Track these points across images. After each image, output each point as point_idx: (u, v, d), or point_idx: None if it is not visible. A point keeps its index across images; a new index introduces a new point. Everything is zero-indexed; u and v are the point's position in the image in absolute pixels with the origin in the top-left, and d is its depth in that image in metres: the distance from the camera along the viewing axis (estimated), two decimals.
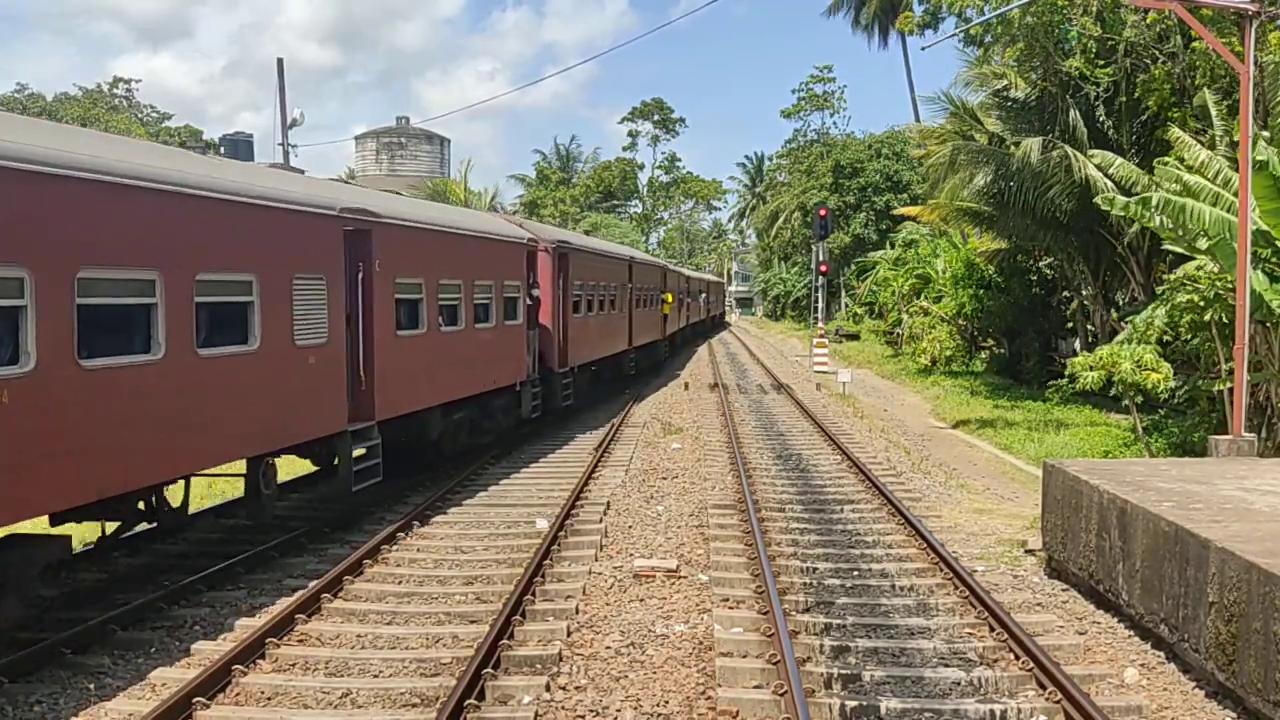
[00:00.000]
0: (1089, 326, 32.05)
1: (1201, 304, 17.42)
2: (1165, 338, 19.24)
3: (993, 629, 9.00)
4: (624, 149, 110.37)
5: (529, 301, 19.32)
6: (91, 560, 11.40)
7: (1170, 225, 17.44)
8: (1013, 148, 28.56)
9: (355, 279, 12.84)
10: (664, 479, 16.42)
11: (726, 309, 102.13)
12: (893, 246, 53.31)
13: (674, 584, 10.69)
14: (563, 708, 7.63)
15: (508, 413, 18.89)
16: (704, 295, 64.40)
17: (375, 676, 8.22)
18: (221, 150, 18.22)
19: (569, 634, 9.09)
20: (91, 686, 8.00)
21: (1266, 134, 15.62)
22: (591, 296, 24.56)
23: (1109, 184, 24.96)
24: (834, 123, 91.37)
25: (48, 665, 8.39)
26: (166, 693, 7.71)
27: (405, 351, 14.11)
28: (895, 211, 53.29)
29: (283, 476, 14.23)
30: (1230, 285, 15.67)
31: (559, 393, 21.42)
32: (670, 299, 30.71)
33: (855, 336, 57.82)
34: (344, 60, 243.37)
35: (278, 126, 28.83)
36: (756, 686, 7.90)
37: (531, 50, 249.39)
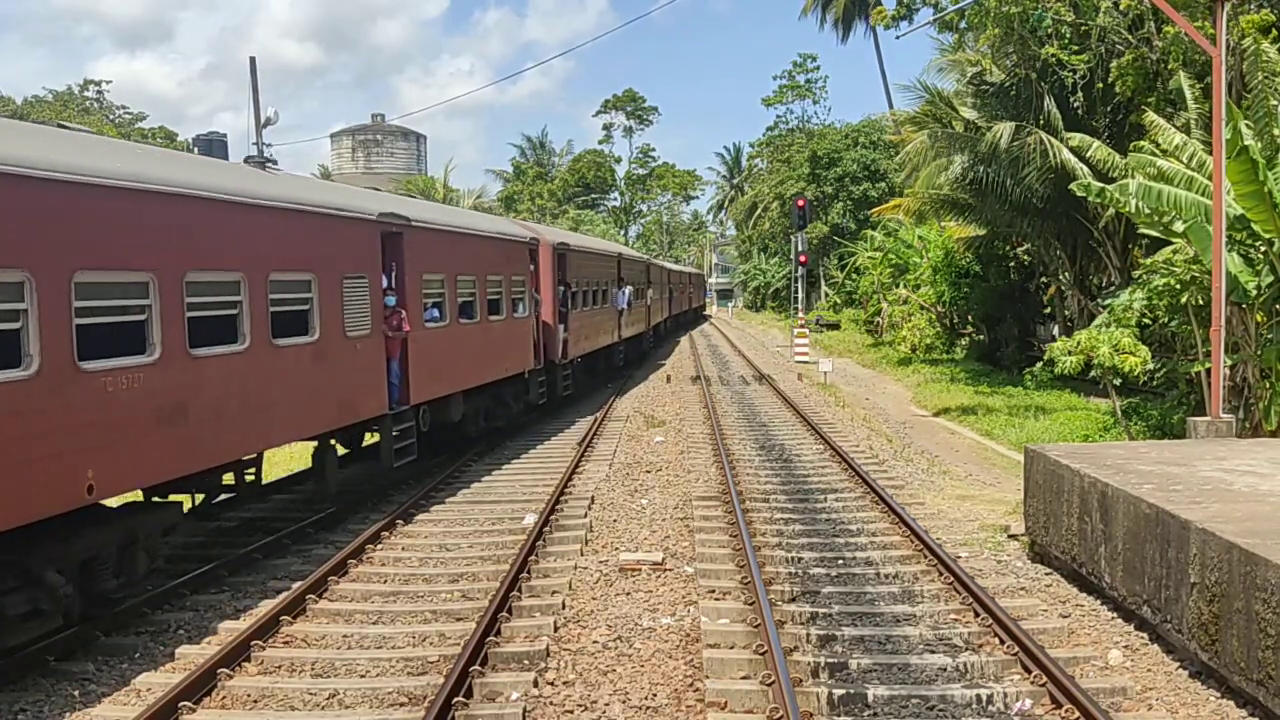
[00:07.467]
0: (1066, 312, 32.25)
1: (1178, 287, 17.55)
2: (1144, 321, 19.37)
3: (978, 614, 9.05)
4: (599, 142, 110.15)
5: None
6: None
7: (1146, 210, 17.56)
8: (988, 133, 28.65)
9: None
10: (648, 472, 16.43)
11: (706, 301, 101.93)
12: (873, 229, 53.39)
13: (660, 577, 10.70)
14: (551, 703, 7.62)
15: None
16: (629, 289, 33.63)
17: (362, 677, 8.20)
18: (195, 150, 18.07)
19: (556, 629, 9.09)
20: (76, 693, 7.95)
21: (1249, 123, 15.70)
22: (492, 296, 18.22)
23: (1084, 168, 25.07)
24: (815, 112, 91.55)
25: (32, 673, 8.33)
26: (152, 698, 7.67)
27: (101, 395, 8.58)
28: (873, 212, 53.24)
29: None
30: (1206, 268, 15.79)
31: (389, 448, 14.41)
32: None
33: (836, 326, 58.00)
34: (324, 60, 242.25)
35: (252, 125, 28.59)
36: (744, 677, 7.92)
37: (512, 50, 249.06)
